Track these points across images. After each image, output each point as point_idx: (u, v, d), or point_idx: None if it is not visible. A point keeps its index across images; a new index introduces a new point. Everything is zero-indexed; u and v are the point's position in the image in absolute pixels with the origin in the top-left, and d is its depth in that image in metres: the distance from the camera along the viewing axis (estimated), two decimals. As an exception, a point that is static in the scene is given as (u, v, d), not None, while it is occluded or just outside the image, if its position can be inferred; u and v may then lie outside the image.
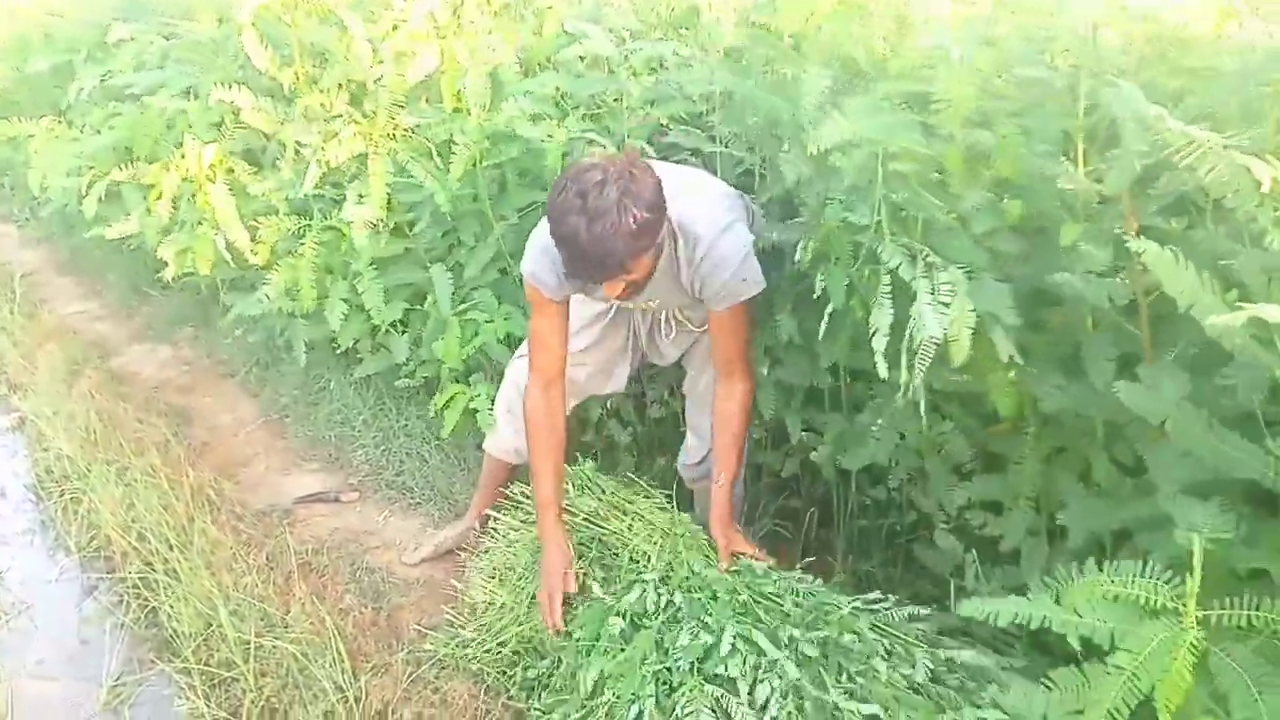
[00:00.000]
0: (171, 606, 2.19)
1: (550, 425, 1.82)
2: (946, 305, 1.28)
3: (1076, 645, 1.08)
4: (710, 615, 1.56)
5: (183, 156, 2.57)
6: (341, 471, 2.70)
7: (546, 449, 1.82)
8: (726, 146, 2.00)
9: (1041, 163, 1.29)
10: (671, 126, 2.19)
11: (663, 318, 1.93)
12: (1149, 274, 1.15)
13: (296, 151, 2.49)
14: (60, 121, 3.89)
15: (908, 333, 1.32)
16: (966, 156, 1.39)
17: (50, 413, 3.05)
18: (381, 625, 2.07)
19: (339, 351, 2.83)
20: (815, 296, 1.59)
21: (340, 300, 2.55)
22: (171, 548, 2.35)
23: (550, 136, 2.09)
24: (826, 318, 1.55)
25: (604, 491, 1.94)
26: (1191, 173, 0.99)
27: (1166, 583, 1.05)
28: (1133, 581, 1.07)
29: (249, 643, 2.00)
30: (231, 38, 2.86)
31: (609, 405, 2.35)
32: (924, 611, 1.60)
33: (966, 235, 1.37)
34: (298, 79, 2.58)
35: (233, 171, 2.62)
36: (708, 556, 1.75)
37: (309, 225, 2.56)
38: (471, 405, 2.32)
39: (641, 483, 1.97)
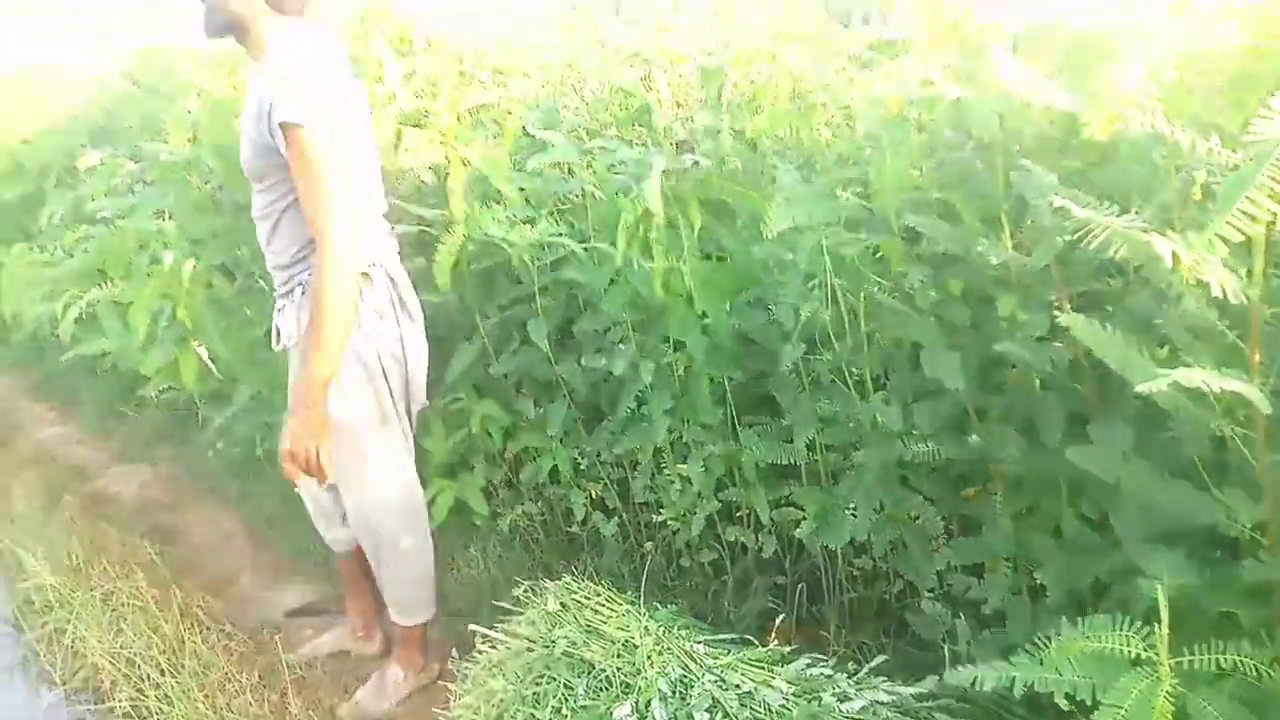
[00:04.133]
0: (165, 736, 2.16)
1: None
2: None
3: (1063, 704, 1.12)
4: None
5: (163, 272, 2.62)
6: (329, 581, 2.68)
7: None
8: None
9: (971, 238, 1.39)
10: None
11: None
12: (1084, 338, 1.23)
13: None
14: (31, 248, 3.96)
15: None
16: (904, 236, 1.49)
17: (30, 542, 3.01)
18: (380, 737, 2.05)
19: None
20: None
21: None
22: (163, 672, 2.32)
23: (518, 240, 2.18)
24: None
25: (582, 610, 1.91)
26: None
27: (1141, 634, 1.10)
28: (1109, 635, 1.12)
29: (247, 765, 1.97)
30: (203, 157, 2.95)
31: (592, 495, 2.38)
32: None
33: (912, 312, 1.46)
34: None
35: (212, 285, 2.67)
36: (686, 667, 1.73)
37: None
38: (461, 496, 2.35)
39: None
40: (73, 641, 2.63)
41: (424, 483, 2.53)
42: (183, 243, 2.86)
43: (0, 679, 2.77)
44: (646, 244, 1.85)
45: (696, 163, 1.81)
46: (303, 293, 1.87)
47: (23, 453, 3.89)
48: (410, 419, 2.06)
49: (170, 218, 2.84)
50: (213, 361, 2.58)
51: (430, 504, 2.43)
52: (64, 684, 2.57)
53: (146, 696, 2.28)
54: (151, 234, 2.92)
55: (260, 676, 2.27)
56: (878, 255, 1.64)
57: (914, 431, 1.66)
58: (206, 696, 2.20)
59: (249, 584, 2.72)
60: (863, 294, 1.60)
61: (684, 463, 2.09)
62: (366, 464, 1.95)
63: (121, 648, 2.44)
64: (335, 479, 1.93)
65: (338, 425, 1.83)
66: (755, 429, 2.03)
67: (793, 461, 1.92)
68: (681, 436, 2.09)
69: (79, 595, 2.69)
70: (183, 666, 2.32)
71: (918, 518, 1.75)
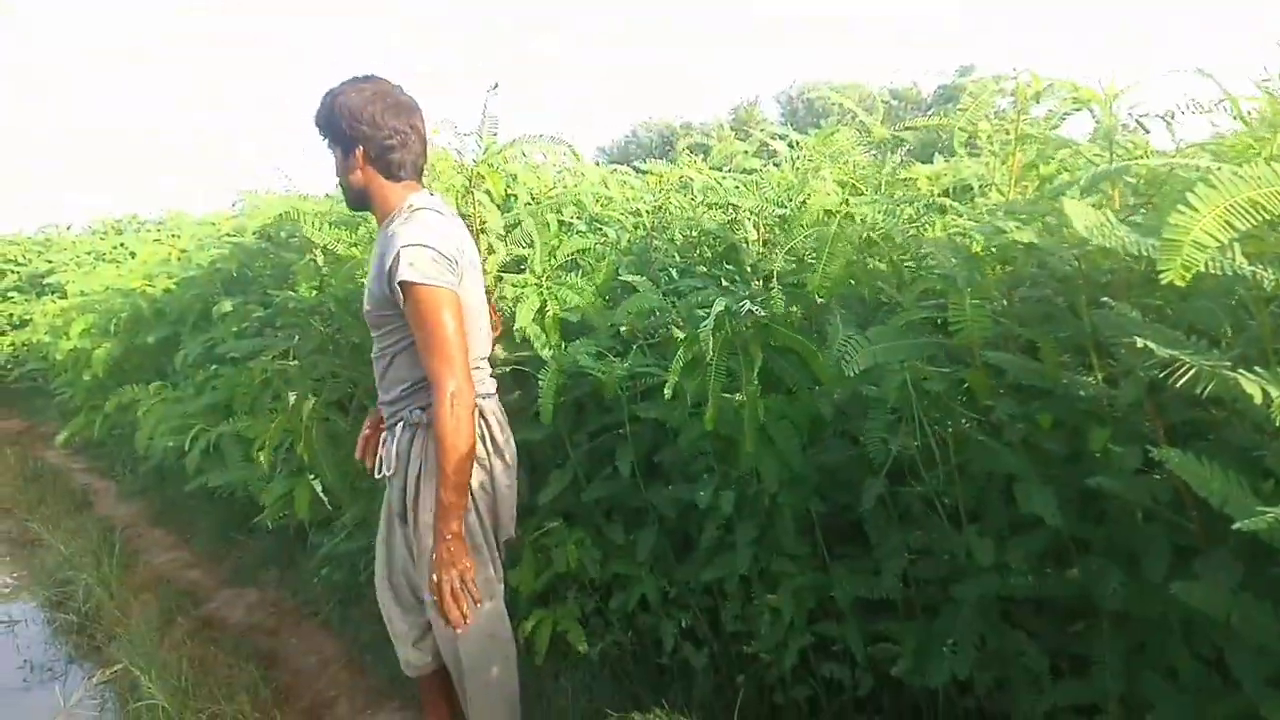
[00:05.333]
0: None
1: None
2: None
3: None
4: None
5: (285, 410, 2.84)
6: (421, 709, 2.70)
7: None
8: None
9: (1055, 373, 1.41)
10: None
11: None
12: (1184, 471, 1.22)
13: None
14: (166, 386, 4.32)
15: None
16: (989, 371, 1.52)
17: (144, 662, 3.14)
18: None
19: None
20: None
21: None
22: (260, 797, 2.36)
23: (608, 371, 2.29)
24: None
25: None
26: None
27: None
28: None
29: None
30: (326, 302, 3.23)
31: (683, 624, 2.37)
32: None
33: (1002, 445, 1.47)
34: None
35: (329, 420, 2.87)
36: None
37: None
38: (560, 628, 2.38)
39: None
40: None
41: (516, 612, 2.58)
42: (305, 381, 3.11)
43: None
44: (705, 380, 1.91)
45: (751, 311, 1.89)
46: (403, 426, 2.02)
47: (142, 575, 4.10)
48: (500, 549, 2.13)
49: (294, 358, 3.09)
50: (325, 492, 2.73)
51: (531, 634, 2.46)
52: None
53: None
54: (276, 373, 3.18)
55: (354, 806, 2.28)
56: (964, 389, 1.67)
57: (1010, 565, 1.63)
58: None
59: (345, 710, 2.76)
60: (951, 427, 1.62)
61: (773, 593, 2.08)
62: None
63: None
64: (426, 602, 2.02)
65: (430, 551, 1.94)
66: (845, 561, 2.02)
67: (886, 596, 1.89)
68: (770, 566, 2.09)
69: (186, 716, 2.78)
70: (280, 793, 2.35)
71: (1022, 655, 1.69)
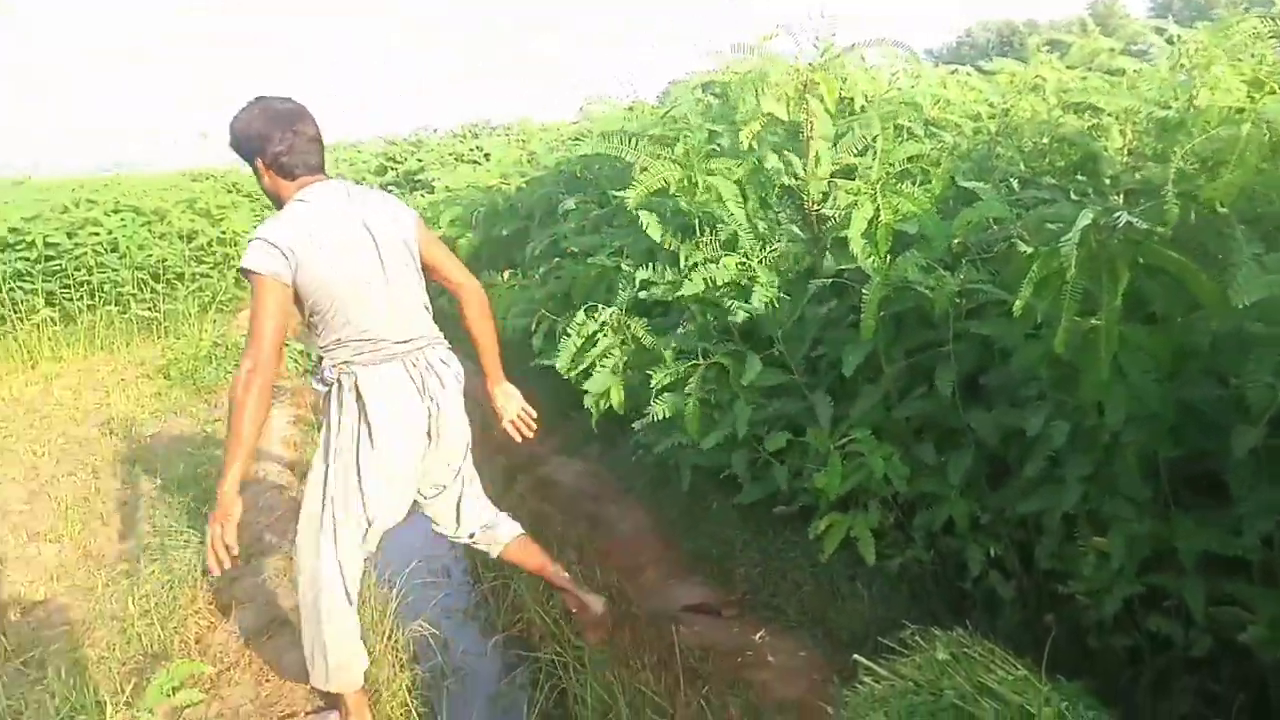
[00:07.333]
0: (577, 693, 2.52)
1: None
2: None
3: None
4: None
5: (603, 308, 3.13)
6: (722, 586, 2.90)
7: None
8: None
9: None
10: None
11: None
12: None
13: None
14: (516, 273, 4.86)
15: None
16: None
17: (491, 509, 3.68)
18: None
19: (721, 476, 3.11)
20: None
21: (718, 434, 2.83)
22: (579, 634, 2.71)
23: (938, 286, 2.21)
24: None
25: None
26: None
27: None
28: None
29: (643, 736, 2.23)
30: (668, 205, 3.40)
31: (991, 554, 2.29)
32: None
33: None
34: (697, 248, 3.01)
35: (629, 326, 3.10)
36: None
37: (694, 365, 2.91)
38: (851, 534, 2.42)
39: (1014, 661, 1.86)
40: (514, 597, 3.17)
41: (815, 515, 2.65)
42: (633, 277, 3.34)
43: (459, 617, 3.45)
44: (1058, 300, 1.76)
45: (1130, 223, 1.68)
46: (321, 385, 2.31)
47: (492, 440, 4.75)
48: (367, 511, 2.29)
49: (627, 256, 3.33)
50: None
51: (821, 535, 2.53)
52: (503, 631, 3.11)
53: (565, 655, 2.67)
54: (611, 268, 3.46)
55: (659, 660, 2.54)
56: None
57: None
58: (612, 667, 2.52)
59: (654, 576, 3.05)
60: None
61: (1102, 535, 1.94)
62: (318, 524, 2.27)
63: (551, 606, 2.90)
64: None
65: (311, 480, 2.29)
66: (1193, 512, 1.82)
67: (1242, 555, 1.69)
68: (1099, 507, 1.95)
69: (526, 561, 3.24)
70: (596, 637, 2.68)
71: None
